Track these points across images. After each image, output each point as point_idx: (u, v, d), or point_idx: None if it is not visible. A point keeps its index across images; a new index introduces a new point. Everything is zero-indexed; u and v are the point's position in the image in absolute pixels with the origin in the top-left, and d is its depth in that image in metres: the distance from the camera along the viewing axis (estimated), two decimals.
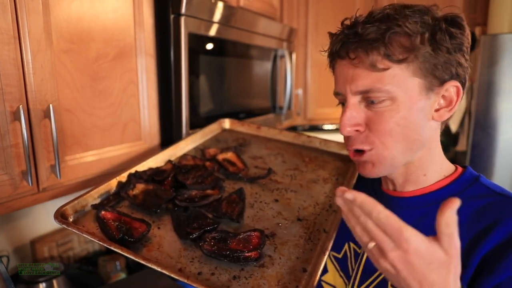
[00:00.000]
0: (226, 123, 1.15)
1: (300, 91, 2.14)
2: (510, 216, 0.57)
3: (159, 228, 0.68)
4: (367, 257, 0.69)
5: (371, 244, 0.45)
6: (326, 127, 2.37)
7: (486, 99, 2.00)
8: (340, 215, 0.71)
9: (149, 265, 0.56)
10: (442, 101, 0.61)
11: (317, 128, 2.36)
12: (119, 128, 1.05)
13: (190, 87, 1.18)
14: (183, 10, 1.10)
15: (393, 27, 0.57)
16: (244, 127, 1.13)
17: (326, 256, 0.62)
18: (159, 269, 0.55)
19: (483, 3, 2.22)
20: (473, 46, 0.62)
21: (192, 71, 1.19)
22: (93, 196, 0.73)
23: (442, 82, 0.59)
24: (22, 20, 0.78)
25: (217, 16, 1.25)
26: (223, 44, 1.35)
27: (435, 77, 0.59)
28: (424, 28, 0.57)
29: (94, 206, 0.70)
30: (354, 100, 0.62)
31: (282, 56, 1.76)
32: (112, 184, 0.77)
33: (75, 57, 0.91)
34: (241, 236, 0.64)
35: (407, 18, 0.57)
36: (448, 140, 2.24)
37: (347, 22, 0.62)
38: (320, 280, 0.73)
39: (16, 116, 0.79)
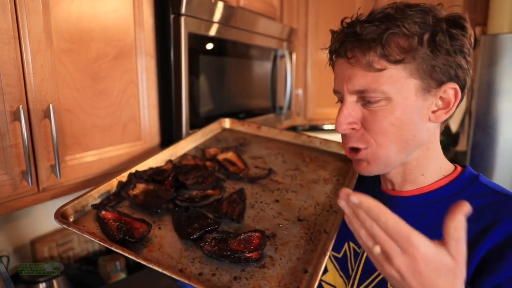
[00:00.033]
0: (226, 122, 1.15)
1: (300, 91, 2.14)
2: (509, 216, 0.57)
3: (159, 228, 0.68)
4: (366, 257, 0.69)
5: (377, 250, 0.44)
6: (326, 127, 2.36)
7: (486, 99, 2.00)
8: (341, 215, 0.71)
9: (150, 265, 0.55)
10: (439, 103, 0.61)
11: (317, 128, 2.36)
12: (119, 128, 1.05)
13: (190, 87, 1.18)
14: (183, 10, 1.09)
15: (391, 27, 0.57)
16: (244, 127, 1.13)
17: (327, 257, 0.62)
18: (160, 270, 0.55)
19: (483, 3, 2.22)
20: (473, 46, 0.62)
21: (192, 71, 1.19)
22: (94, 196, 0.73)
23: (440, 84, 0.59)
24: (22, 20, 0.78)
25: (217, 16, 1.25)
26: (223, 44, 1.35)
27: (433, 79, 0.58)
28: (424, 29, 0.57)
29: (95, 206, 0.70)
30: (351, 99, 0.63)
31: (282, 56, 1.76)
32: (113, 184, 0.77)
33: (75, 57, 0.91)
34: (241, 237, 0.64)
35: (407, 18, 0.57)
36: (448, 140, 2.24)
37: (348, 21, 0.62)
38: (320, 280, 0.73)
39: (16, 116, 0.79)
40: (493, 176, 2.03)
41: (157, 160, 0.89)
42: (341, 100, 0.65)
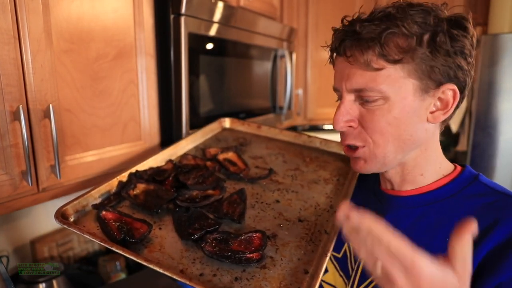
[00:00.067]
0: (226, 122, 1.15)
1: (300, 91, 2.14)
2: (510, 216, 0.57)
3: (160, 228, 0.67)
4: None
5: (378, 270, 0.42)
6: (326, 127, 2.36)
7: (486, 99, 2.00)
8: None
9: (151, 266, 0.55)
10: (438, 103, 0.61)
11: (317, 128, 2.36)
12: (119, 128, 1.05)
13: (190, 87, 1.18)
14: (183, 10, 1.09)
15: (391, 27, 0.57)
16: (244, 127, 1.13)
17: (327, 258, 0.62)
18: (161, 271, 0.55)
19: (483, 3, 2.21)
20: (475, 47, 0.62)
21: (192, 71, 1.19)
22: (94, 196, 0.73)
23: (439, 85, 0.59)
24: (22, 20, 0.78)
25: (217, 16, 1.25)
26: (223, 44, 1.35)
27: (431, 80, 0.58)
28: (424, 29, 0.57)
29: (95, 206, 0.70)
30: (349, 97, 0.63)
31: (282, 56, 1.75)
32: (113, 183, 0.77)
33: (75, 57, 0.91)
34: (242, 237, 0.63)
35: (407, 18, 0.57)
36: (449, 140, 2.24)
37: (349, 19, 0.63)
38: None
39: (16, 116, 0.78)
40: (494, 176, 2.03)
41: (157, 160, 0.88)
42: (340, 98, 0.66)
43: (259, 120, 1.61)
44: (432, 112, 0.61)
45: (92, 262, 1.41)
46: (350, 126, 0.64)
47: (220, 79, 1.37)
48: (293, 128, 2.18)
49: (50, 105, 0.83)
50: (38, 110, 0.83)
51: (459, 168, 0.68)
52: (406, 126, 0.60)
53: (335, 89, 0.67)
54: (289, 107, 1.84)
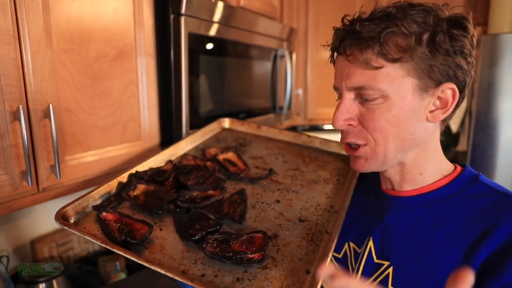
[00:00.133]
0: (226, 122, 1.15)
1: (300, 91, 2.14)
2: (511, 216, 0.57)
3: (161, 229, 0.67)
4: (367, 257, 0.69)
5: None
6: (326, 127, 2.36)
7: (486, 99, 2.00)
8: (342, 216, 0.71)
9: (152, 267, 0.55)
10: (437, 103, 0.61)
11: (317, 128, 2.36)
12: (119, 128, 1.05)
13: (190, 87, 1.18)
14: (183, 10, 1.09)
15: (391, 26, 0.57)
16: (244, 127, 1.13)
17: (329, 258, 0.61)
18: (162, 272, 0.55)
19: (483, 3, 2.22)
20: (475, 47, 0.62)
21: (192, 71, 1.18)
22: (94, 197, 0.72)
23: (438, 84, 0.59)
24: (22, 20, 0.78)
25: (217, 16, 1.25)
26: (223, 44, 1.35)
27: (431, 79, 0.58)
28: (424, 29, 0.57)
29: (95, 207, 0.70)
30: (348, 96, 0.63)
31: (282, 56, 1.75)
32: (113, 184, 0.77)
33: (75, 57, 0.90)
34: (243, 238, 0.63)
35: (407, 18, 0.57)
36: (449, 140, 2.24)
37: (349, 18, 0.63)
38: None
39: (16, 116, 0.78)
40: (494, 176, 2.03)
41: (157, 161, 0.88)
42: (341, 96, 0.66)
43: (259, 120, 1.61)
44: (431, 111, 0.61)
45: (92, 262, 1.41)
46: (350, 125, 0.64)
47: (220, 79, 1.37)
48: (293, 128, 2.18)
49: (50, 105, 0.83)
50: (38, 110, 0.83)
51: (459, 168, 0.68)
52: (405, 125, 0.61)
53: (335, 88, 0.67)
54: (289, 107, 1.84)
